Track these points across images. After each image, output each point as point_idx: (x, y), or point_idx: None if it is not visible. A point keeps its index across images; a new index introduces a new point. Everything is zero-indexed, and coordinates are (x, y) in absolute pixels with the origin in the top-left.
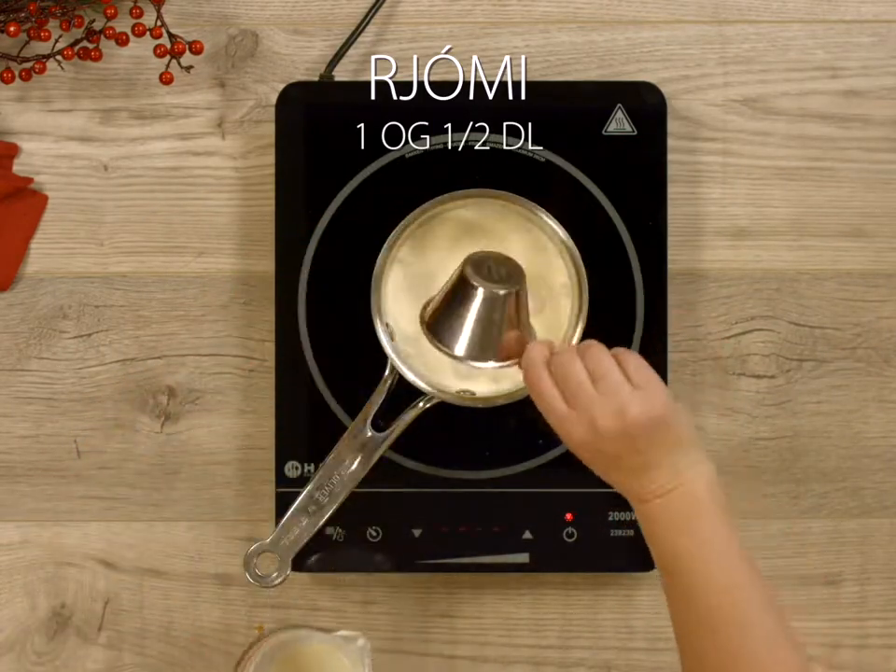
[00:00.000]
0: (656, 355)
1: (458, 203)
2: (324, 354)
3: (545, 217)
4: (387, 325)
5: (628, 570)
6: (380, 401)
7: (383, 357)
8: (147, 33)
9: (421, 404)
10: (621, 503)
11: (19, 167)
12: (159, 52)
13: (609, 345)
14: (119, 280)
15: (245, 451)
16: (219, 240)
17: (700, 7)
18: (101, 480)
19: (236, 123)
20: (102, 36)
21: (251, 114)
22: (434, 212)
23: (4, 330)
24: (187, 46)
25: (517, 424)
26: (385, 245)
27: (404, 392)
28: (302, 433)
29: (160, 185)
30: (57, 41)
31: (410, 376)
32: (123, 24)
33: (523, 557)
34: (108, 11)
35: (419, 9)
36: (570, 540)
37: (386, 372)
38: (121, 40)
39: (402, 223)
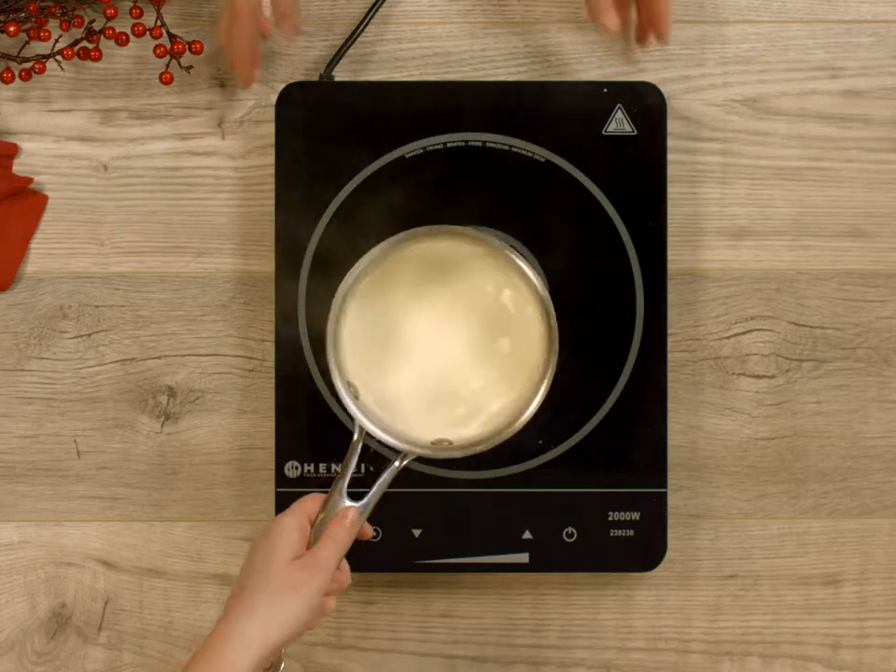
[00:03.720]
0: (656, 355)
1: (415, 242)
2: (324, 354)
3: (514, 258)
4: (349, 383)
5: (628, 570)
6: (352, 467)
7: None
8: (147, 33)
9: (397, 463)
10: (620, 503)
11: (19, 167)
12: (159, 52)
13: (608, 348)
14: (119, 280)
15: (245, 451)
16: (219, 240)
17: (700, 7)
18: (101, 480)
19: (236, 123)
20: (102, 36)
21: (251, 114)
22: (390, 253)
23: (4, 330)
24: (187, 46)
25: None
26: (337, 300)
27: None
28: (302, 433)
29: (160, 185)
30: (57, 41)
31: (381, 436)
32: (123, 24)
33: (523, 557)
34: (108, 11)
35: (419, 9)
36: (570, 540)
37: (355, 436)
38: (121, 40)
39: (355, 272)
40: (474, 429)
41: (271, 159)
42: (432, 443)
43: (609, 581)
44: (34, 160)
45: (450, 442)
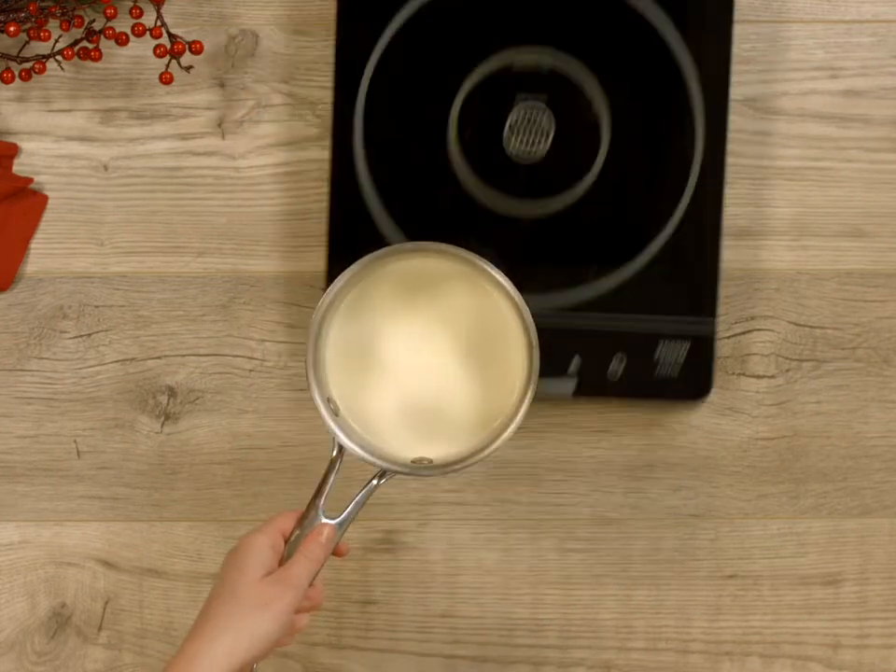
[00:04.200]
0: (714, 186)
1: (396, 258)
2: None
3: (491, 271)
4: (329, 399)
5: (675, 399)
6: (330, 484)
7: (443, 168)
8: (147, 33)
9: (375, 481)
10: (670, 334)
11: (19, 167)
12: (159, 52)
13: (667, 177)
14: (119, 280)
15: (245, 451)
16: (219, 240)
17: None
18: (101, 480)
19: (236, 123)
20: (102, 36)
21: (251, 114)
22: (369, 272)
23: (4, 330)
24: (186, 46)
25: (568, 243)
26: (316, 317)
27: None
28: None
29: (160, 185)
30: (57, 41)
31: (360, 453)
32: (123, 24)
33: (570, 384)
34: (108, 11)
35: None
36: (618, 369)
37: (334, 452)
38: (121, 40)
39: (334, 288)
40: (455, 447)
41: (271, 159)
42: (412, 462)
43: (608, 581)
44: (34, 160)
45: (430, 461)
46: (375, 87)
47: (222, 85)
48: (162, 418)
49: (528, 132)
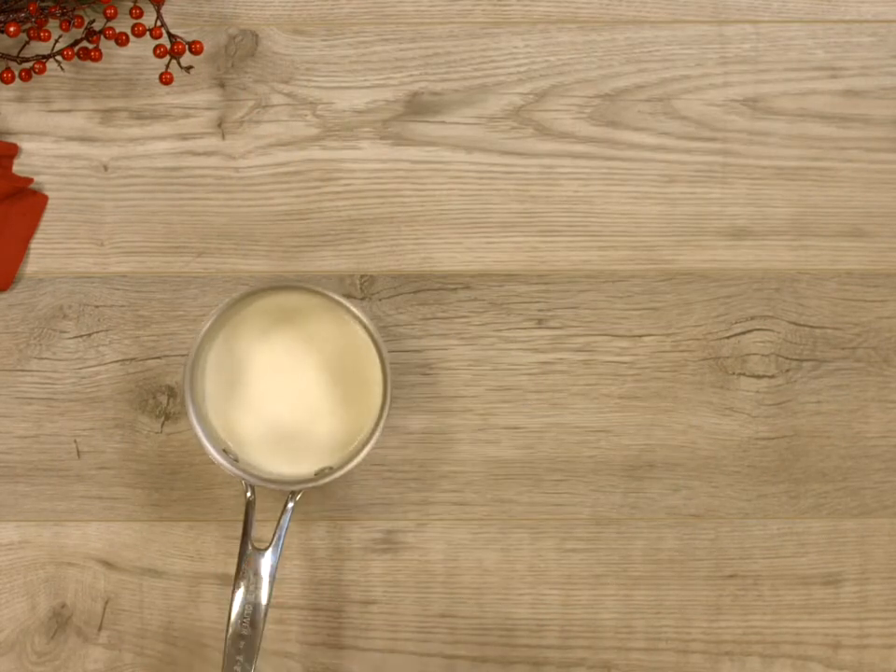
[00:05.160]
0: None
1: (260, 296)
2: None
3: (350, 307)
4: (224, 451)
5: None
6: (253, 522)
7: None
8: (147, 33)
9: (290, 504)
10: None
11: (19, 167)
12: (158, 52)
13: None
14: (119, 280)
15: None
16: (219, 240)
17: (700, 7)
18: (101, 480)
19: (236, 123)
20: (102, 36)
21: (251, 114)
22: (235, 311)
23: (4, 330)
24: (186, 46)
25: None
26: (186, 374)
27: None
28: None
29: (160, 185)
30: (57, 41)
31: (271, 486)
32: (123, 24)
33: None
34: (108, 11)
35: (419, 9)
36: None
37: (248, 494)
38: (121, 40)
39: (201, 334)
40: (344, 449)
41: (271, 159)
42: (316, 474)
43: (609, 581)
44: (34, 160)
45: (331, 468)
46: None
47: (222, 85)
48: (162, 418)
49: None
